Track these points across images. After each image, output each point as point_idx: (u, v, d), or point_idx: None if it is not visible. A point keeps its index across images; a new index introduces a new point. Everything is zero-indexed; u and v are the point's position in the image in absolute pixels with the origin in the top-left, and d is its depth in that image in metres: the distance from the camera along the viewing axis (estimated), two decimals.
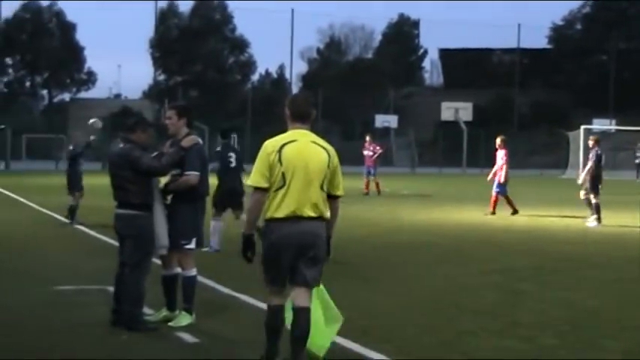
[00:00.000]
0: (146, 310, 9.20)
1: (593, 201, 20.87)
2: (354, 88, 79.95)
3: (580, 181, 21.39)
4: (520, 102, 75.60)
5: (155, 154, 8.95)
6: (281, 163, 6.83)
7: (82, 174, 19.91)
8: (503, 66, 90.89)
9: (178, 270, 9.00)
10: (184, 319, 8.84)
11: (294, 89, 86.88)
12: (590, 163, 21.02)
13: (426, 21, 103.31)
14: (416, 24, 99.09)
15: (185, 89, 79.89)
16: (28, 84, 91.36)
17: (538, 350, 8.10)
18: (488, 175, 24.06)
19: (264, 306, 9.64)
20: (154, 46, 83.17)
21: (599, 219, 20.76)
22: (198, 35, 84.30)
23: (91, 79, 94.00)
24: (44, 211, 22.34)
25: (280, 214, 6.83)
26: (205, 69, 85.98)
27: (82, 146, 20.06)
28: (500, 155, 23.37)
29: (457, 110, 65.64)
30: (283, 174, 6.83)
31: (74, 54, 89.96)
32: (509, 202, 23.13)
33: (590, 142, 21.68)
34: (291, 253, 6.86)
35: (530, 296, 10.98)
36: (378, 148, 33.69)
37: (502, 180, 23.13)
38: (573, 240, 17.80)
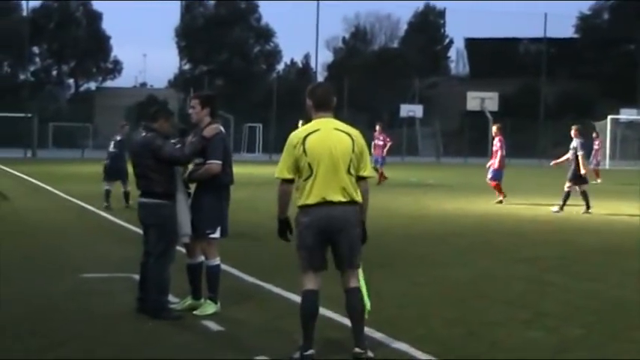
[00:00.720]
0: (171, 298, 9.23)
1: (566, 189, 21.24)
2: (379, 78, 79.81)
3: (583, 171, 21.48)
4: (546, 92, 75.16)
5: (173, 141, 8.95)
6: (306, 154, 7.02)
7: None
8: (530, 56, 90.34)
9: (202, 259, 9.02)
10: (209, 307, 8.86)
11: (320, 79, 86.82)
12: (580, 153, 21.34)
13: (451, 10, 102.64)
14: (442, 13, 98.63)
15: (210, 78, 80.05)
16: (54, 73, 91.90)
17: (564, 341, 8.06)
18: (512, 165, 24.04)
19: (288, 294, 9.75)
20: (180, 35, 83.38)
21: (562, 207, 21.22)
22: (224, 24, 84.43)
23: (116, 68, 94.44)
24: (70, 199, 22.45)
25: (311, 200, 7.04)
26: (231, 58, 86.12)
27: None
28: (495, 142, 24.09)
29: (483, 100, 65.37)
30: (309, 164, 7.02)
31: (100, 43, 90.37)
32: (499, 190, 23.73)
33: (573, 132, 21.90)
34: (324, 236, 7.05)
35: (557, 287, 10.92)
36: (388, 139, 33.49)
37: (496, 166, 23.68)
38: (599, 230, 17.70)
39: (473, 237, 16.35)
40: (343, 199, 7.06)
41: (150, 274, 8.79)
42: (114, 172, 20.03)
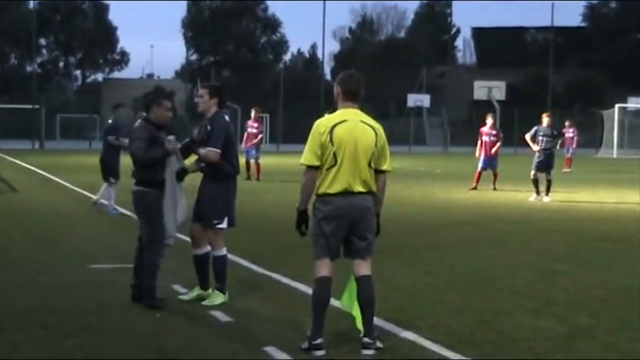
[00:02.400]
0: (179, 289, 9.25)
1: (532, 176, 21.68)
2: (386, 68, 79.73)
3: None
4: (554, 81, 74.92)
5: (170, 138, 8.90)
6: (332, 143, 7.06)
7: None
8: (537, 44, 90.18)
9: (208, 249, 9.01)
10: (217, 298, 8.87)
11: (327, 69, 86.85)
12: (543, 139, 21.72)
13: None
14: (448, 3, 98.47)
15: (217, 69, 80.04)
16: (61, 64, 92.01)
17: (573, 329, 8.05)
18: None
19: (296, 285, 9.76)
20: (187, 26, 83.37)
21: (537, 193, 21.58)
22: (231, 15, 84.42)
23: (123, 59, 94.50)
24: (78, 190, 22.46)
25: (333, 190, 7.08)
26: (237, 49, 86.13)
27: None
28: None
29: (490, 89, 65.15)
30: (334, 153, 7.06)
31: (107, 34, 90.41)
32: (478, 179, 24.36)
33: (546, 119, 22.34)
34: (344, 225, 7.11)
35: (566, 276, 10.90)
36: None
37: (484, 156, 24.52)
38: (608, 219, 17.67)
39: (481, 226, 16.34)
40: (363, 190, 7.15)
41: (142, 260, 8.88)
42: None
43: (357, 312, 7.31)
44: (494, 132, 24.92)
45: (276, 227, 14.97)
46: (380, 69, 79.91)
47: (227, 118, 9.12)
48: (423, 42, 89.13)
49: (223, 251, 9.02)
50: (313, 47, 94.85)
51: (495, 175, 24.75)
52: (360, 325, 7.26)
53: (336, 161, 7.06)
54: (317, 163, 7.10)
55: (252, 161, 27.24)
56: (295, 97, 66.30)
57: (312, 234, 7.22)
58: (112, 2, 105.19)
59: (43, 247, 12.86)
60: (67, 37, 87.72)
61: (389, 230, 15.23)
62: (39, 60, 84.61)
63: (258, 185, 24.80)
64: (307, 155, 7.13)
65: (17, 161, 37.04)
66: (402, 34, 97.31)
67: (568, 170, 35.09)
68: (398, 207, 19.22)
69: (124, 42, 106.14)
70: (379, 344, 7.17)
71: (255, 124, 28.20)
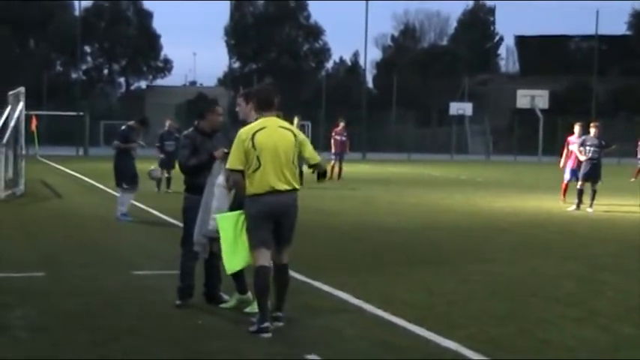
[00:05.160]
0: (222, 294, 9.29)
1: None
2: (428, 75, 79.51)
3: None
4: (598, 89, 74.29)
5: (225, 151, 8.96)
6: (255, 148, 7.96)
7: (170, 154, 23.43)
8: (581, 53, 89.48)
9: None
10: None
11: (369, 76, 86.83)
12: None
13: (502, 7, 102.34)
14: (492, 10, 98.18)
15: (260, 76, 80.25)
16: (106, 72, 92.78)
17: (617, 339, 7.97)
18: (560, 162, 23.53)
19: (337, 292, 9.74)
20: (229, 33, 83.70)
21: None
22: (273, 22, 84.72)
23: (167, 66, 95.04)
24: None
25: (260, 190, 7.97)
26: (280, 56, 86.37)
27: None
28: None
29: (533, 98, 64.78)
30: (258, 157, 7.96)
31: (151, 42, 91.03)
32: (565, 191, 22.79)
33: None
34: (272, 220, 8.00)
35: (609, 285, 10.80)
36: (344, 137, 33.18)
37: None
38: None
39: (523, 234, 16.24)
40: (288, 188, 8.05)
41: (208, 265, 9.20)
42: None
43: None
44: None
45: (316, 234, 14.99)
46: (422, 76, 79.71)
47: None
48: (465, 49, 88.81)
49: None
50: (355, 55, 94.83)
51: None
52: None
53: (260, 164, 7.95)
54: (240, 167, 8.00)
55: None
56: (337, 105, 66.14)
57: (248, 229, 8.04)
58: (156, 10, 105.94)
59: (87, 253, 12.97)
60: (112, 45, 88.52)
61: (429, 237, 15.28)
62: (84, 67, 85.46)
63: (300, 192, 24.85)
64: (232, 160, 8.05)
65: (62, 167, 37.44)
66: (445, 42, 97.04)
67: (634, 180, 34.57)
68: (438, 214, 19.18)
69: (168, 49, 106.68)
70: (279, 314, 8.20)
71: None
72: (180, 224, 9.39)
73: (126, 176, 17.43)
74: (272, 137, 8.02)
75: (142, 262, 12.04)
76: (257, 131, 8.02)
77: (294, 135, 8.18)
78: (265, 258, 8.00)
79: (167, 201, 20.01)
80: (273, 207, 7.97)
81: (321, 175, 8.85)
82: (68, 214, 18.56)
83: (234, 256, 8.23)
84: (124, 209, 17.28)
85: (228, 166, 8.11)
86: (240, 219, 8.18)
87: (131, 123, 18.06)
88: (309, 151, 8.31)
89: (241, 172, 8.02)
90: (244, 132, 8.05)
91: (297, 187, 8.16)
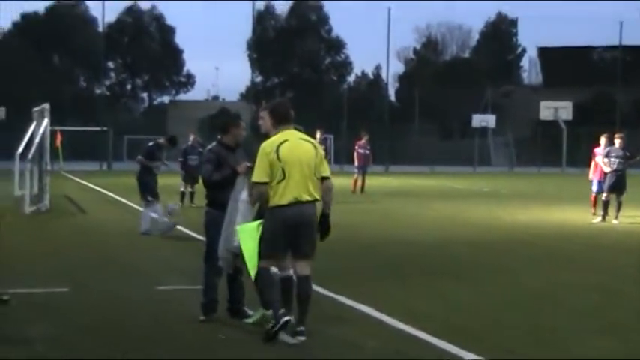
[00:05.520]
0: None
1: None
2: (451, 88, 79.42)
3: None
4: (622, 100, 73.97)
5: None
6: (279, 160, 8.17)
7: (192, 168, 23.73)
8: (605, 63, 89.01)
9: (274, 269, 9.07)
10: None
11: (391, 90, 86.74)
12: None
13: (524, 19, 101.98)
14: (514, 22, 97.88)
15: (282, 90, 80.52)
16: (129, 86, 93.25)
17: (637, 351, 7.98)
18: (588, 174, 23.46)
19: (357, 305, 9.78)
20: (251, 47, 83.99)
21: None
22: (295, 36, 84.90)
23: (189, 81, 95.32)
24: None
25: (284, 201, 8.14)
26: (302, 69, 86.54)
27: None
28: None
29: (557, 110, 64.55)
30: (282, 169, 8.15)
31: (173, 56, 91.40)
32: (595, 203, 22.27)
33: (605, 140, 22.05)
34: (294, 230, 8.14)
35: (631, 297, 10.80)
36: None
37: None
38: None
39: (547, 247, 16.23)
40: (310, 199, 8.24)
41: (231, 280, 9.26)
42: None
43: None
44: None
45: (337, 247, 15.07)
46: (444, 89, 79.64)
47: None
48: (487, 62, 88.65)
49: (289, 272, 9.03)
50: (377, 68, 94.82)
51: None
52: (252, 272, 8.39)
53: (284, 175, 8.14)
54: (266, 179, 8.17)
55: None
56: (359, 118, 66.20)
57: (262, 238, 8.24)
58: (179, 25, 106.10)
59: (111, 268, 13.05)
60: (134, 59, 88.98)
61: (450, 249, 15.29)
62: (107, 82, 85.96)
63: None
64: (258, 173, 8.21)
65: (86, 182, 37.68)
66: (467, 54, 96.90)
67: None
68: (460, 227, 19.19)
69: (190, 64, 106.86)
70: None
71: (323, 146, 28.65)
72: (204, 239, 9.44)
73: (148, 189, 17.66)
74: (295, 149, 8.24)
75: (166, 277, 12.10)
76: (281, 144, 8.22)
77: (315, 147, 8.42)
78: (269, 263, 8.31)
79: (190, 215, 20.10)
80: (295, 217, 8.13)
81: (325, 231, 8.39)
82: (92, 229, 18.71)
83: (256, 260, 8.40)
84: (145, 223, 17.45)
85: (253, 179, 8.24)
86: (260, 229, 8.33)
87: (161, 141, 18.27)
88: (325, 164, 8.50)
89: (266, 184, 8.18)
90: (268, 145, 8.25)
91: (317, 198, 8.32)
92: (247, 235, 8.38)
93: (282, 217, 8.13)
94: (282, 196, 8.13)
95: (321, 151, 8.51)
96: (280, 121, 8.47)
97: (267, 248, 8.23)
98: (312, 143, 8.47)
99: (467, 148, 70.79)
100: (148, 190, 17.71)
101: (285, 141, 8.26)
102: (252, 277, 8.51)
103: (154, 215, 17.69)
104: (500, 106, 79.21)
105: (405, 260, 13.97)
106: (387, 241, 16.56)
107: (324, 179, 8.43)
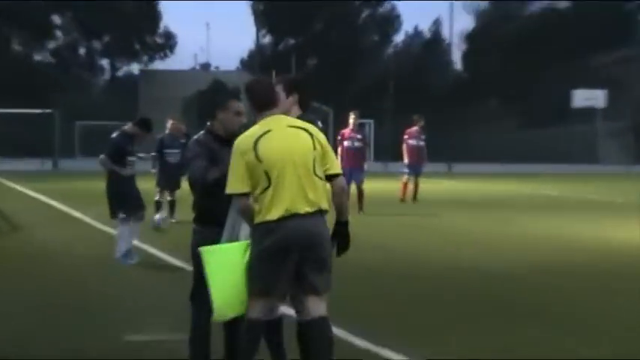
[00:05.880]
0: None
1: None
2: (539, 53, 79.22)
3: None
4: None
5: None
6: (260, 161, 8.04)
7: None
8: None
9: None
10: None
11: (456, 53, 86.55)
12: None
13: None
14: None
15: (300, 57, 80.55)
16: (82, 51, 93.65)
17: None
18: None
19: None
20: None
21: None
22: None
23: (168, 43, 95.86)
24: (106, 229, 22.69)
25: (273, 216, 7.98)
26: (328, 28, 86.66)
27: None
28: None
29: None
30: (266, 172, 8.04)
31: (146, 9, 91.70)
32: None
33: None
34: (292, 258, 7.99)
35: None
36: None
37: None
38: None
39: None
40: (310, 210, 8.04)
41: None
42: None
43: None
44: None
45: (380, 282, 15.03)
46: (530, 55, 79.43)
47: (319, 124, 9.05)
48: (593, 15, 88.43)
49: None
50: (436, 24, 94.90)
51: None
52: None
53: (270, 181, 8.00)
54: (245, 189, 8.11)
55: (353, 186, 27.17)
56: (410, 96, 66.18)
57: (249, 268, 8.11)
58: None
59: (61, 310, 12.97)
60: (90, 14, 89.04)
61: (544, 285, 15.19)
62: (51, 45, 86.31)
63: (357, 219, 24.87)
64: (233, 182, 8.14)
65: (20, 188, 37.78)
66: (565, 3, 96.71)
67: None
68: (558, 252, 19.09)
69: (169, 20, 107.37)
70: None
71: (359, 136, 28.80)
72: (190, 269, 9.40)
73: (124, 202, 17.32)
74: (282, 141, 8.10)
75: (138, 322, 12.08)
76: (260, 137, 8.11)
77: (311, 134, 8.22)
78: (262, 309, 8.13)
79: (170, 235, 20.09)
80: (291, 238, 7.95)
81: (344, 245, 8.48)
82: (30, 254, 18.66)
83: (232, 296, 8.23)
84: (123, 248, 17.23)
85: (227, 190, 8.16)
86: (248, 252, 8.24)
87: (126, 127, 17.51)
88: (331, 156, 8.35)
89: (247, 195, 8.13)
90: (242, 141, 8.18)
91: (323, 207, 8.14)
92: (221, 259, 8.24)
93: (271, 238, 7.97)
94: (270, 209, 7.99)
95: (322, 139, 8.31)
96: (261, 105, 8.38)
97: (255, 280, 8.10)
98: (306, 130, 8.25)
99: (561, 139, 70.65)
100: (122, 203, 17.21)
101: (266, 132, 8.15)
102: (216, 318, 8.45)
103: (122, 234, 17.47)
104: (613, 78, 78.95)
105: (477, 299, 13.90)
106: (453, 272, 16.47)
107: (332, 177, 8.27)
